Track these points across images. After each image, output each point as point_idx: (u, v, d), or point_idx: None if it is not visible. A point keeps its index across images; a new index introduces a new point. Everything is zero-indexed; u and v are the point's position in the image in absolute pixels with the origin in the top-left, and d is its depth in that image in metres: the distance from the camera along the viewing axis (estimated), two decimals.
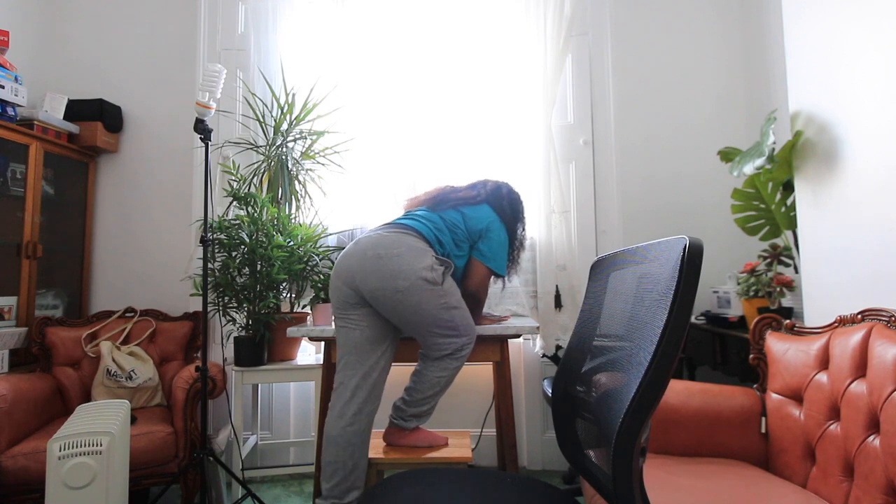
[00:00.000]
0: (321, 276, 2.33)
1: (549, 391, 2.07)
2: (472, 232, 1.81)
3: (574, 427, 1.09)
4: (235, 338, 2.21)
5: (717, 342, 2.05)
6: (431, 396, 1.77)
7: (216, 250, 2.20)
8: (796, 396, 1.45)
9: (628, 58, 2.67)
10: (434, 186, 1.99)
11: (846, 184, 1.50)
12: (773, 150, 1.77)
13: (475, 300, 1.85)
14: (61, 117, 2.48)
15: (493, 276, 1.84)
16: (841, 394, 1.28)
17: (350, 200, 2.62)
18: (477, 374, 2.60)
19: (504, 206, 1.91)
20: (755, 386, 1.62)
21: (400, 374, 2.10)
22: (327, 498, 1.62)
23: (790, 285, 1.88)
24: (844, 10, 1.50)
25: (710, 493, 1.28)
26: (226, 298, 2.21)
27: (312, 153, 2.55)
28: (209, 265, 2.02)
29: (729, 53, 2.67)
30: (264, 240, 2.20)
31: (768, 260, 2.00)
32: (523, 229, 1.98)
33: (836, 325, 1.43)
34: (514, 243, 1.93)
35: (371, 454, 1.77)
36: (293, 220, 2.40)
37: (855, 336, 1.30)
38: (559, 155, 2.63)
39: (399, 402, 1.81)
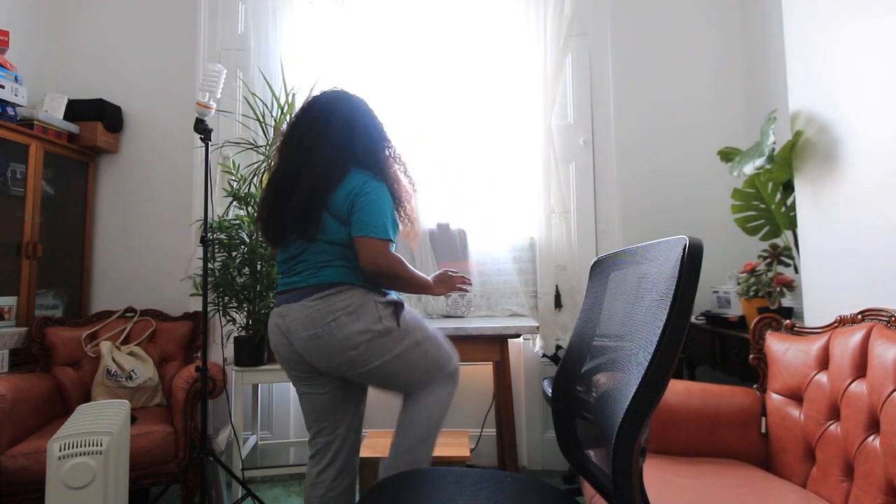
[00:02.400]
0: None
1: (549, 391, 2.07)
2: (346, 215, 1.37)
3: (574, 427, 1.09)
4: (235, 338, 2.21)
5: (717, 342, 2.05)
6: (426, 437, 1.43)
7: (216, 250, 2.20)
8: (796, 396, 1.45)
9: (628, 58, 2.67)
10: (274, 182, 1.45)
11: (846, 184, 1.50)
12: (773, 150, 1.77)
13: (394, 278, 1.39)
14: (61, 117, 2.48)
15: (389, 243, 1.37)
16: (841, 394, 1.28)
17: None
18: (477, 374, 2.60)
19: (369, 153, 1.44)
20: (755, 386, 1.62)
21: None
22: None
23: (790, 285, 1.88)
24: (844, 10, 1.50)
25: (710, 493, 1.28)
26: (226, 298, 2.21)
27: None
28: (209, 265, 2.02)
29: (729, 53, 2.66)
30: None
31: (768, 260, 2.00)
32: (389, 146, 1.51)
33: (836, 325, 1.43)
34: (393, 187, 1.45)
35: (371, 454, 1.77)
36: None
37: (855, 336, 1.30)
38: (559, 155, 2.63)
39: (388, 461, 1.47)
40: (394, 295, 1.46)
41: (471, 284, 1.66)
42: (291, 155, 1.43)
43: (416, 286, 1.46)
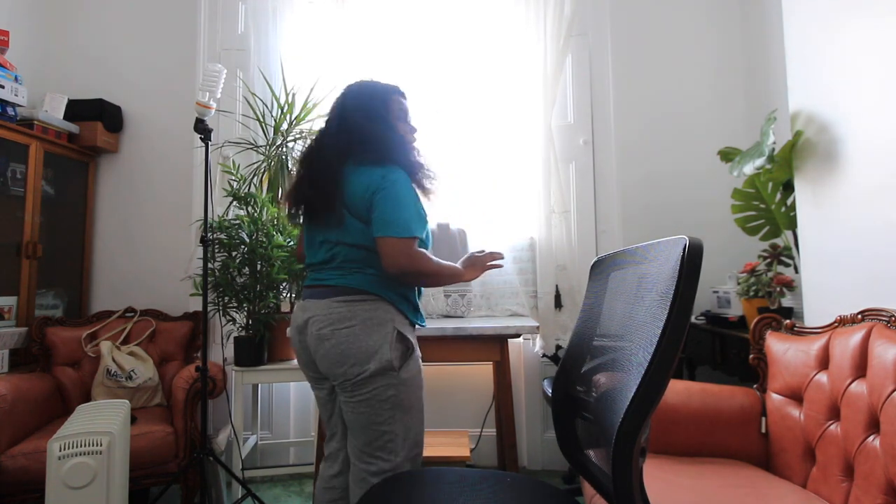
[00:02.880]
0: None
1: (549, 391, 2.07)
2: (367, 214, 1.31)
3: (574, 427, 1.09)
4: (235, 338, 2.21)
5: (717, 342, 2.05)
6: None
7: (216, 250, 2.20)
8: (796, 396, 1.45)
9: (628, 58, 2.67)
10: (293, 185, 1.43)
11: (846, 184, 1.50)
12: (773, 150, 1.77)
13: (421, 276, 1.32)
14: (61, 117, 2.48)
15: (413, 241, 1.28)
16: (841, 394, 1.28)
17: None
18: (477, 374, 2.60)
19: (369, 144, 1.34)
20: (755, 386, 1.62)
21: None
22: None
23: (790, 285, 1.88)
24: (844, 10, 1.50)
25: (711, 493, 1.28)
26: (226, 298, 2.21)
27: None
28: (209, 265, 2.02)
29: (729, 53, 2.66)
30: (264, 240, 2.20)
31: (768, 260, 2.00)
32: (397, 130, 1.40)
33: (836, 325, 1.43)
34: (413, 170, 1.37)
35: None
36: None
37: (855, 336, 1.30)
38: (559, 155, 2.63)
39: None
40: (411, 335, 1.36)
41: (502, 257, 1.53)
42: (306, 155, 1.46)
43: (448, 278, 1.39)
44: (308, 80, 2.55)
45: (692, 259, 0.72)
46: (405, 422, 1.32)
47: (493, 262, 1.52)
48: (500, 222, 2.66)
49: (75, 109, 2.54)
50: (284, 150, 2.47)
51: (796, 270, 1.95)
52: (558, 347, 2.51)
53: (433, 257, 1.34)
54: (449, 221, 2.59)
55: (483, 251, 1.51)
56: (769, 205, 2.01)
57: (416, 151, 1.43)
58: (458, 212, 2.64)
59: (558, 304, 2.56)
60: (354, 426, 1.33)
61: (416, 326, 1.43)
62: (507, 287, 2.62)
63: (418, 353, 1.39)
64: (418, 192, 1.37)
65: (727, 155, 2.15)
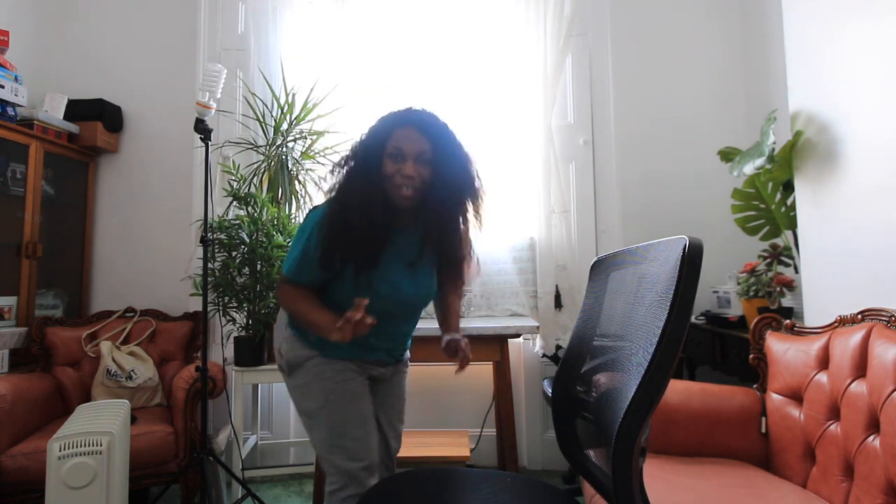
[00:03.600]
0: None
1: (549, 391, 2.07)
2: None
3: (574, 427, 1.09)
4: (235, 338, 2.21)
5: (717, 342, 2.05)
6: None
7: (216, 250, 2.19)
8: (796, 396, 1.45)
9: (628, 58, 2.67)
10: None
11: (846, 184, 1.50)
12: (773, 150, 1.77)
13: (289, 312, 1.31)
14: (61, 117, 2.48)
15: (284, 279, 1.29)
16: (841, 394, 1.28)
17: None
18: (477, 374, 2.60)
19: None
20: (755, 386, 1.62)
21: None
22: None
23: (790, 285, 1.88)
24: (844, 10, 1.50)
25: (710, 493, 1.28)
26: (226, 298, 2.21)
27: (312, 153, 2.55)
28: (209, 265, 2.02)
29: (729, 53, 2.66)
30: (264, 240, 2.20)
31: (768, 260, 2.00)
32: (400, 166, 1.27)
33: (836, 325, 1.43)
34: (339, 217, 1.21)
35: None
36: (293, 220, 2.40)
37: (855, 336, 1.30)
38: (559, 155, 2.63)
39: None
40: (297, 353, 1.30)
41: (368, 325, 1.07)
42: None
43: (309, 325, 1.22)
44: (308, 80, 2.55)
45: (692, 259, 0.72)
46: (315, 431, 1.30)
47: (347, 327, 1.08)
48: (500, 222, 2.66)
49: (75, 109, 2.54)
50: (284, 150, 2.46)
51: (796, 270, 1.95)
52: (558, 347, 2.51)
53: (297, 302, 1.24)
54: None
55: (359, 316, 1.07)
56: (769, 205, 2.01)
57: (366, 193, 1.22)
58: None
59: (558, 304, 2.56)
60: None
61: (320, 352, 1.29)
62: (507, 287, 2.62)
63: (316, 363, 1.28)
64: (339, 232, 1.19)
65: (727, 155, 2.15)
